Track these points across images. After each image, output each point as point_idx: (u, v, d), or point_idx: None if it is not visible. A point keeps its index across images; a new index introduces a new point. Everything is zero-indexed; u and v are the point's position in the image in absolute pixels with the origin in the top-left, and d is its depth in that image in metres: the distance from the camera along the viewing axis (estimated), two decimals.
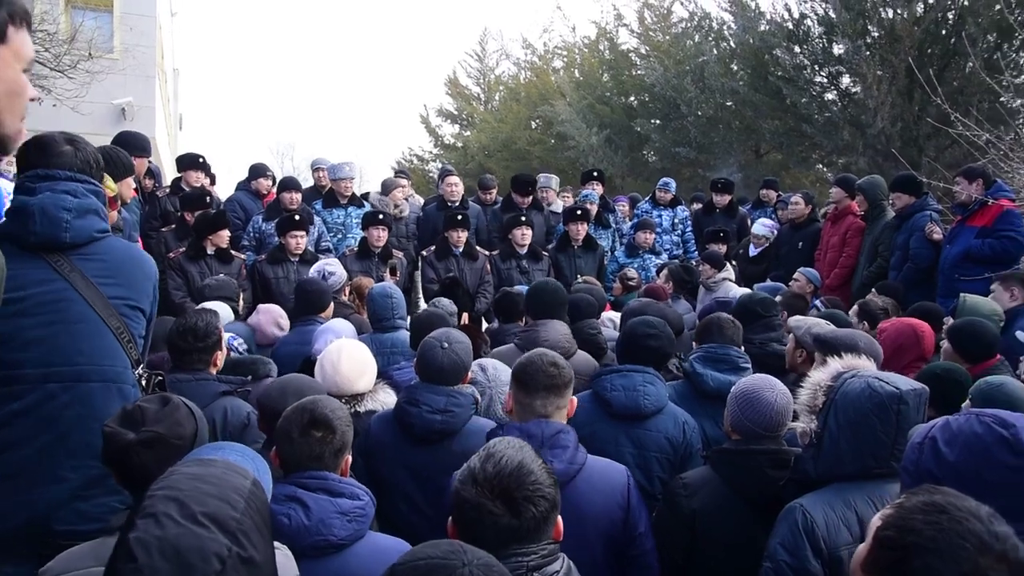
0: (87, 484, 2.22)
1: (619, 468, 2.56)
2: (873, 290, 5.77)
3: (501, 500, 1.64)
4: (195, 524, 1.12)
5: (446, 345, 2.94)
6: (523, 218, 7.20)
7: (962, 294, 4.51)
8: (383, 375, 3.39)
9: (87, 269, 2.32)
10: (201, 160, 7.76)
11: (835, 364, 2.39)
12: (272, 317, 4.62)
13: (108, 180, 3.76)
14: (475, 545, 1.58)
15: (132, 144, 5.18)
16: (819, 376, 2.36)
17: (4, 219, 2.37)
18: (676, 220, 8.64)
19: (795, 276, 6.55)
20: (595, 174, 8.77)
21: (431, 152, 26.73)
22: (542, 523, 1.68)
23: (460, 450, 2.86)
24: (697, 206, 9.49)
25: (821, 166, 15.31)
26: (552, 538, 1.72)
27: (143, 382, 2.34)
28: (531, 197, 8.15)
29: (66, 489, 2.21)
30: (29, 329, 2.22)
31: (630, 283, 6.78)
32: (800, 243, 7.60)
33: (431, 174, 24.47)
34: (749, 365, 3.52)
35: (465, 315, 6.08)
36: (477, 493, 1.65)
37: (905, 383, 2.19)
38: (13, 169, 3.11)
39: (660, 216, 8.54)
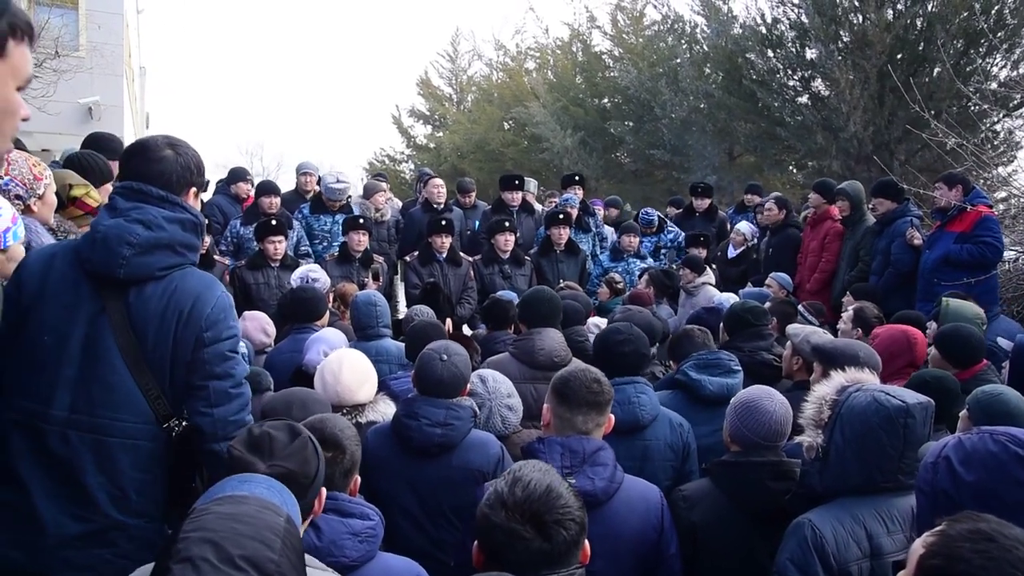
0: (83, 536, 2.13)
1: (654, 489, 2.55)
2: (848, 293, 5.85)
3: (531, 524, 1.63)
4: (233, 568, 1.09)
5: (445, 357, 2.91)
6: (507, 223, 7.14)
7: (943, 298, 4.55)
8: (381, 385, 3.34)
9: (134, 313, 2.17)
10: None
11: (839, 378, 2.39)
12: (259, 324, 4.54)
13: (92, 191, 3.68)
14: (504, 571, 1.59)
15: (107, 147, 5.00)
16: (824, 390, 2.37)
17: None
18: (660, 246, 8.46)
19: (767, 282, 6.61)
20: (576, 178, 8.74)
21: (403, 153, 26.59)
22: (572, 547, 1.67)
23: (460, 464, 2.84)
24: (673, 210, 9.53)
25: (794, 169, 15.48)
26: (580, 562, 1.71)
27: (173, 434, 2.21)
28: (521, 195, 8.12)
29: (60, 536, 2.12)
30: (66, 367, 2.12)
31: (617, 287, 6.78)
32: (771, 249, 7.68)
33: (403, 175, 24.33)
34: (740, 368, 3.54)
35: (449, 321, 6.04)
36: (507, 518, 1.63)
37: (912, 396, 2.20)
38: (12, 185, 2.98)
39: (642, 243, 8.21)
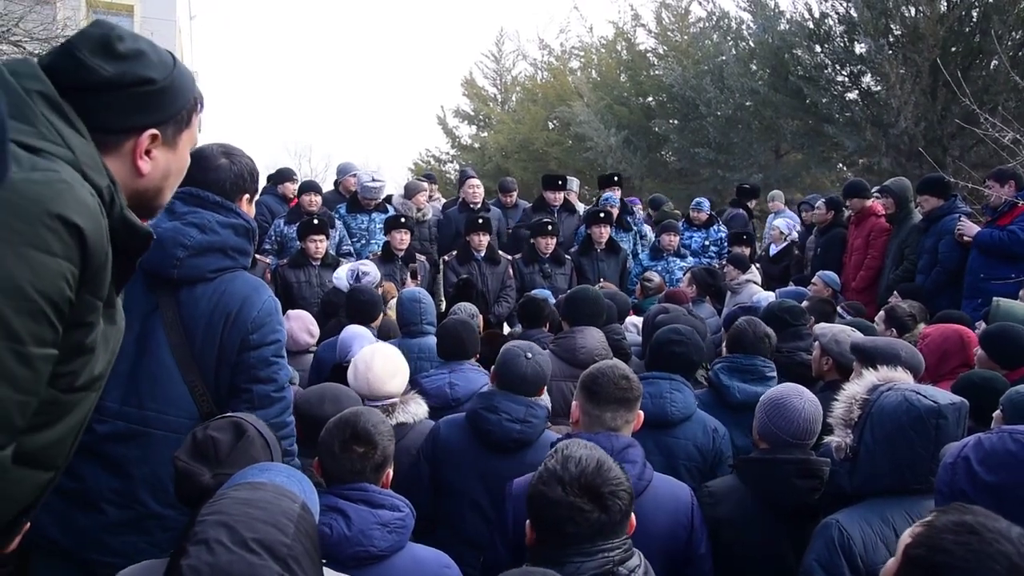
0: (121, 523, 2.21)
1: (684, 487, 2.56)
2: (895, 293, 5.72)
3: (588, 497, 1.73)
4: (246, 551, 1.13)
5: (530, 356, 2.95)
6: (549, 227, 7.10)
7: (995, 299, 4.41)
8: (412, 382, 3.39)
9: (185, 312, 2.25)
10: None
11: (871, 376, 2.36)
12: (303, 324, 4.62)
13: None
14: (563, 543, 1.71)
15: None
16: (854, 389, 2.34)
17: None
18: (709, 241, 8.44)
19: (812, 280, 6.51)
20: (615, 178, 8.71)
21: (448, 153, 26.76)
22: (625, 516, 1.78)
23: (534, 462, 2.81)
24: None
25: (843, 166, 15.17)
26: (627, 533, 1.80)
27: None
28: (563, 195, 8.14)
29: (100, 522, 2.20)
30: (119, 362, 2.14)
31: (649, 286, 6.73)
32: (819, 248, 7.58)
33: (448, 175, 24.49)
34: (775, 375, 3.49)
35: (480, 318, 6.06)
36: (565, 492, 1.72)
37: (944, 397, 2.17)
38: None
39: (691, 238, 8.35)
